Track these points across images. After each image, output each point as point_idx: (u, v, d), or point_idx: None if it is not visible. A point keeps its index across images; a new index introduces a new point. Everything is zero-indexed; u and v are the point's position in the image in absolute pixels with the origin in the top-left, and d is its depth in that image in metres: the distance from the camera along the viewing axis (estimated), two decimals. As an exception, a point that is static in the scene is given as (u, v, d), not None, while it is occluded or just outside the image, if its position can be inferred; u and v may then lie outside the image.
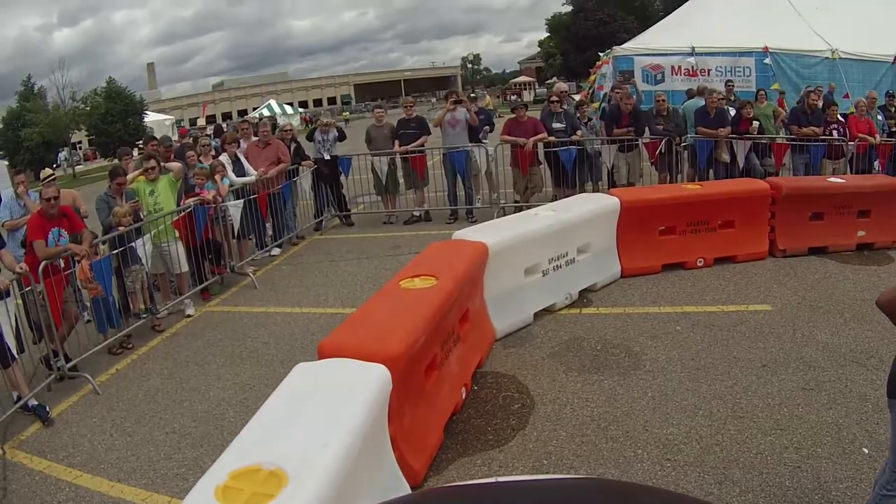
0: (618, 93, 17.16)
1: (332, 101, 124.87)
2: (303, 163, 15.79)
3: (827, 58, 23.86)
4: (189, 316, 11.29)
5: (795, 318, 9.06)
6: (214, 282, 12.29)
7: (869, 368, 7.46)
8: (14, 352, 8.10)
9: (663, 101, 16.11)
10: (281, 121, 28.80)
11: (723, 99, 16.56)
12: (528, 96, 78.35)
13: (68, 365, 8.94)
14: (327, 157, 16.25)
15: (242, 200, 12.87)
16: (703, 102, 16.11)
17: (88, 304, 9.76)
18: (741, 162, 15.01)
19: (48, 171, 10.78)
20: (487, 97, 20.32)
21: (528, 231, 9.64)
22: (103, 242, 9.97)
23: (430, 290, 7.13)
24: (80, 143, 68.44)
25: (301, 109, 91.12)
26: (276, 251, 14.65)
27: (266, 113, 64.65)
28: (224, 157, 13.46)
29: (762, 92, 17.58)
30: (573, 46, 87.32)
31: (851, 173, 14.79)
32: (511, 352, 8.67)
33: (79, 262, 9.03)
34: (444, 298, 7.04)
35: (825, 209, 11.87)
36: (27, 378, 8.46)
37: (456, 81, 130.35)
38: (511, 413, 7.19)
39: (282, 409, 4.83)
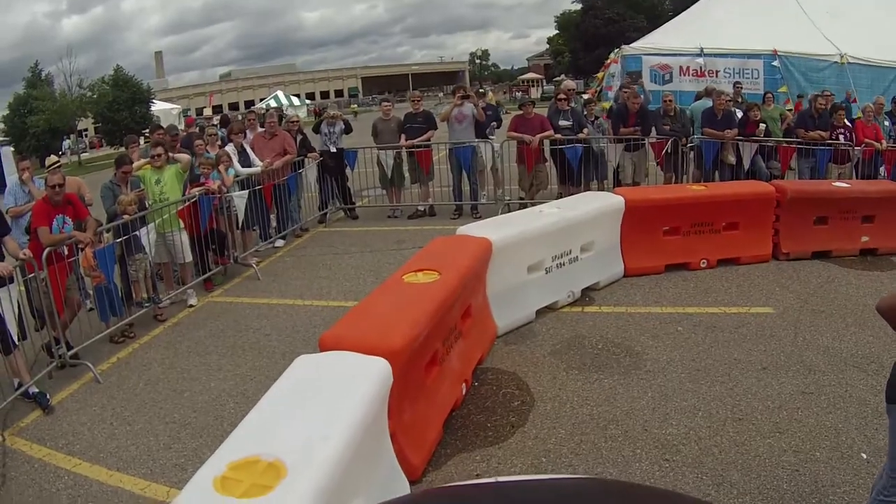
0: (625, 92, 17.15)
1: (339, 93, 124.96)
2: (309, 155, 15.81)
3: (836, 62, 23.88)
4: (191, 306, 11.29)
5: (797, 322, 9.05)
6: (217, 272, 12.29)
7: (869, 373, 7.46)
8: (15, 338, 8.10)
9: (670, 101, 16.08)
10: (288, 112, 28.80)
11: (730, 100, 16.52)
12: (535, 93, 78.17)
13: (69, 353, 8.93)
14: (333, 149, 16.23)
15: (247, 191, 12.85)
16: (710, 103, 16.09)
17: (91, 292, 9.75)
18: (747, 164, 15.00)
19: (53, 158, 10.76)
20: (490, 93, 20.26)
21: (532, 228, 9.64)
22: (107, 230, 9.97)
23: (432, 285, 7.15)
24: (86, 130, 68.42)
25: (308, 101, 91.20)
26: (279, 243, 14.65)
27: (273, 104, 64.78)
28: (230, 148, 13.47)
29: (770, 95, 17.61)
30: (582, 44, 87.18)
31: (857, 178, 14.79)
32: (512, 348, 8.67)
33: (82, 249, 9.03)
34: (447, 293, 7.06)
35: (830, 213, 11.85)
36: (28, 365, 8.46)
37: (464, 77, 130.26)
38: (511, 410, 7.19)
39: (282, 401, 4.84)
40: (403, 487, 5.52)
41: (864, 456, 5.96)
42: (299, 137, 15.85)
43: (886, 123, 16.25)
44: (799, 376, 7.53)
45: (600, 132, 16.17)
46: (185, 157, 11.58)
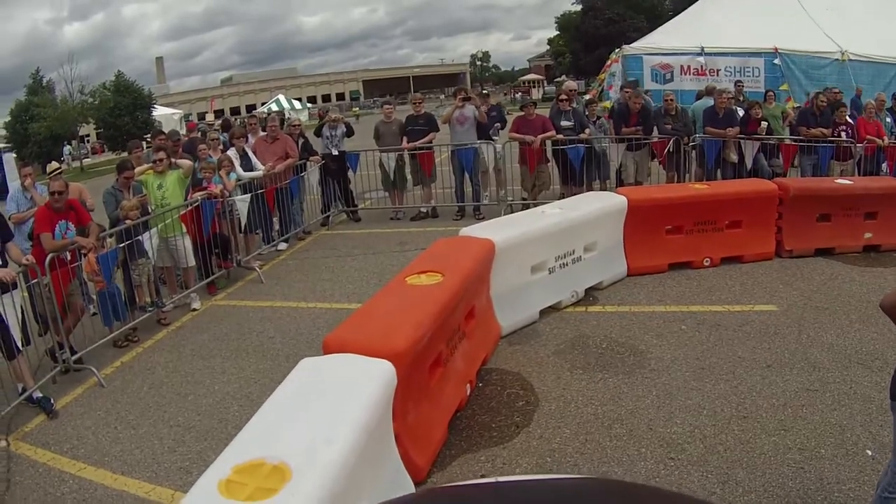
0: (626, 92, 17.16)
1: (340, 96, 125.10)
2: (310, 158, 15.81)
3: (837, 60, 23.84)
4: (195, 310, 11.28)
5: (801, 319, 9.06)
6: (221, 275, 12.29)
7: (874, 370, 7.46)
8: (19, 344, 8.11)
9: (672, 100, 16.10)
10: (289, 116, 28.84)
11: (732, 98, 16.52)
12: (536, 94, 78.23)
13: (73, 357, 8.93)
14: (335, 152, 16.26)
15: (250, 195, 12.86)
16: (711, 102, 16.09)
17: (95, 296, 9.74)
18: (749, 162, 15.00)
19: (55, 164, 10.76)
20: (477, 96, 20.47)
21: (534, 229, 9.64)
22: (110, 236, 9.98)
23: (436, 287, 7.14)
24: (87, 136, 68.39)
25: (309, 105, 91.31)
26: (282, 246, 14.67)
27: (274, 108, 64.83)
28: (232, 152, 13.46)
29: (771, 93, 17.58)
30: (582, 45, 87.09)
31: (859, 175, 14.79)
32: (516, 349, 8.67)
33: (85, 255, 9.04)
34: (451, 295, 7.05)
35: (832, 210, 11.87)
36: (32, 370, 8.47)
37: (465, 79, 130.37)
38: (515, 410, 7.19)
39: (286, 403, 4.83)
40: (408, 489, 5.51)
41: (870, 453, 5.96)
42: (301, 141, 15.86)
43: (888, 120, 16.36)
44: (803, 374, 7.53)
45: (602, 132, 16.16)
46: (187, 162, 11.57)
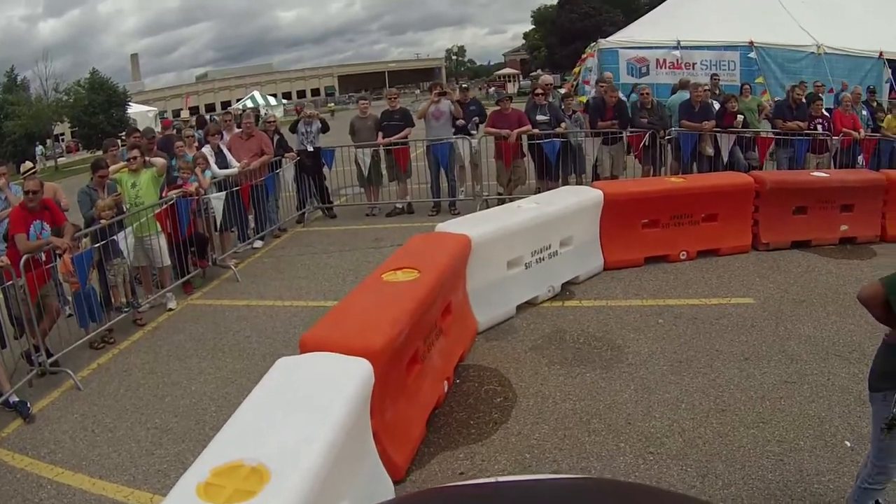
0: (602, 86, 17.17)
1: (315, 92, 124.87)
2: (286, 155, 15.74)
3: (812, 53, 23.95)
4: (171, 309, 11.20)
5: (778, 312, 9.11)
6: (196, 275, 12.21)
7: (851, 362, 7.51)
8: (-5, 347, 8.05)
9: (648, 94, 16.15)
10: (264, 112, 28.73)
11: (708, 92, 16.56)
12: (512, 89, 78.30)
13: (49, 360, 8.84)
14: (310, 148, 16.18)
15: (225, 193, 12.80)
16: (688, 96, 16.12)
17: (70, 298, 9.67)
18: (725, 156, 15.06)
19: (28, 164, 10.69)
20: (457, 91, 20.18)
21: (511, 224, 9.63)
22: (85, 236, 9.89)
23: (412, 283, 7.13)
24: (62, 135, 67.95)
25: (285, 101, 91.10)
26: (258, 244, 14.59)
27: (249, 104, 64.63)
28: (207, 149, 13.41)
29: (747, 86, 17.65)
30: (558, 39, 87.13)
31: (835, 168, 14.89)
32: (493, 345, 8.66)
33: (60, 255, 8.96)
34: (427, 292, 7.04)
35: (809, 203, 11.95)
36: (8, 374, 8.36)
37: (440, 73, 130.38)
38: (493, 406, 7.18)
39: (264, 404, 4.79)
40: (387, 488, 5.49)
41: (848, 444, 5.99)
42: (276, 137, 15.79)
43: (864, 113, 16.43)
44: (781, 366, 7.58)
45: (578, 126, 16.19)
46: (160, 160, 11.46)
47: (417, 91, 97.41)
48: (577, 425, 6.66)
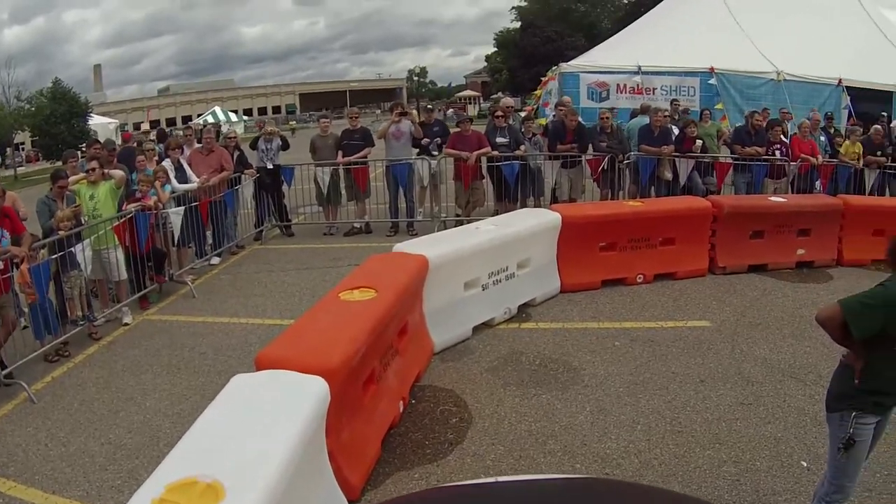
0: (562, 109, 17.24)
1: (277, 109, 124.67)
2: (245, 171, 15.64)
3: (772, 79, 24.28)
4: (126, 324, 11.07)
5: (734, 334, 9.18)
6: (153, 290, 12.09)
7: (807, 384, 7.58)
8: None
9: (607, 118, 16.22)
10: (225, 128, 28.65)
11: (668, 116, 16.66)
12: (472, 111, 78.60)
13: (3, 372, 8.73)
14: (270, 165, 16.12)
15: (183, 208, 12.72)
16: (647, 120, 16.22)
17: (26, 309, 9.55)
18: (683, 180, 15.17)
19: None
20: (414, 111, 20.28)
21: (468, 245, 9.61)
22: (42, 247, 9.78)
23: (369, 303, 7.08)
24: (22, 144, 67.42)
25: (245, 117, 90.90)
26: (215, 260, 14.46)
27: (210, 120, 64.47)
28: (167, 163, 13.31)
29: (706, 111, 17.83)
30: (520, 62, 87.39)
31: (793, 193, 15.07)
32: (449, 366, 8.62)
33: (18, 265, 8.84)
34: (384, 311, 7.00)
35: (766, 227, 12.08)
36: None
37: (402, 94, 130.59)
38: (449, 427, 7.14)
39: (218, 421, 4.74)
40: (342, 508, 5.44)
41: (805, 464, 6.03)
42: (236, 154, 15.69)
43: (822, 138, 16.64)
44: (737, 388, 7.62)
45: (537, 149, 16.24)
46: (119, 172, 11.38)
47: (378, 111, 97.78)
48: (532, 446, 6.63)
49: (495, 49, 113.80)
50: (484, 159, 15.85)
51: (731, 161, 15.69)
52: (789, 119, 18.06)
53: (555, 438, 6.74)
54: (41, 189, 13.64)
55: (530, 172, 15.91)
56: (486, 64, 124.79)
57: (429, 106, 19.36)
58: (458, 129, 16.28)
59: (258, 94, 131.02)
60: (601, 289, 11.25)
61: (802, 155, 15.46)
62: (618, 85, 25.86)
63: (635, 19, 35.48)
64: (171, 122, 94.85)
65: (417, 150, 16.36)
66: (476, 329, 9.56)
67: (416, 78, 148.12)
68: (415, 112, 18.31)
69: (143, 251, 11.45)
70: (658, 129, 15.52)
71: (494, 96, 77.97)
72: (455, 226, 13.95)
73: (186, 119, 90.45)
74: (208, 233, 14.44)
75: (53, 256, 9.72)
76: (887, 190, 16.10)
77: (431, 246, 9.32)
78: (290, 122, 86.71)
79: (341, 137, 16.57)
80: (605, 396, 7.57)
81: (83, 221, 10.48)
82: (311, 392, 5.10)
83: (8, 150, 55.44)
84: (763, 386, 7.63)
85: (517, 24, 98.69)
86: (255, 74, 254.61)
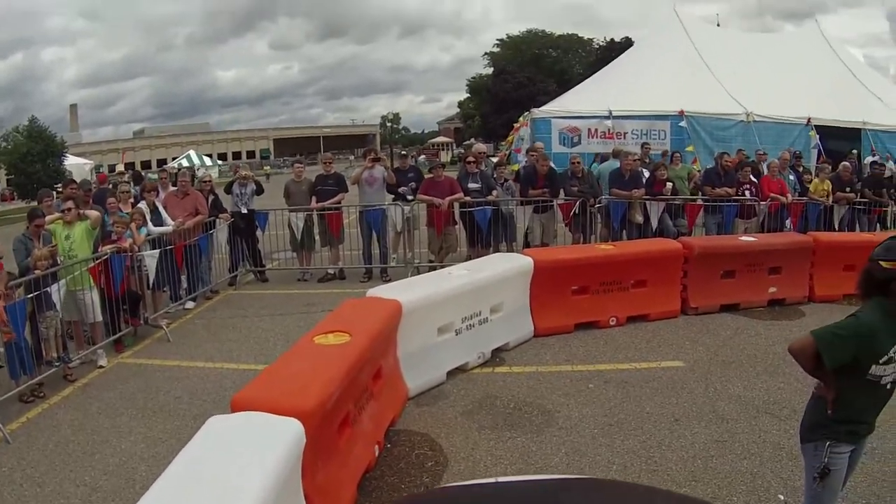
0: (533, 155, 17.37)
1: (251, 154, 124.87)
2: (220, 215, 15.68)
3: (742, 121, 24.58)
4: (102, 367, 11.00)
5: (707, 373, 9.25)
6: (128, 333, 12.06)
7: (782, 419, 7.64)
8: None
9: (578, 163, 16.44)
10: (200, 172, 28.67)
11: (637, 160, 16.83)
12: (445, 157, 79.04)
13: (-23, 412, 8.68)
14: (244, 210, 16.16)
15: (158, 251, 12.74)
16: (618, 164, 16.37)
17: (1, 349, 9.52)
18: (654, 222, 15.30)
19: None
20: (386, 157, 20.66)
21: (441, 290, 9.66)
22: (19, 285, 9.74)
23: (343, 347, 7.09)
24: (-2, 182, 67.34)
25: (220, 162, 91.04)
26: (190, 304, 14.42)
27: (185, 164, 64.41)
28: (143, 205, 13.32)
29: (677, 154, 18.03)
30: (493, 108, 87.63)
31: (764, 232, 15.26)
32: (424, 410, 8.63)
33: (-6, 303, 8.82)
34: (358, 355, 7.01)
35: (737, 267, 12.23)
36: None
37: (375, 140, 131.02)
38: (424, 471, 7.12)
39: (195, 461, 4.72)
40: (315, 550, 5.43)
41: (782, 497, 6.09)
42: (211, 198, 15.74)
43: (791, 177, 16.92)
44: (712, 425, 7.67)
45: (509, 195, 16.34)
46: (95, 213, 11.41)
47: (352, 157, 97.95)
48: (507, 489, 6.61)
49: (468, 95, 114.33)
50: (457, 205, 15.90)
51: (701, 203, 15.87)
52: (764, 160, 18.26)
53: (530, 481, 6.74)
54: (16, 228, 13.63)
55: (502, 218, 16.00)
56: (458, 110, 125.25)
57: (402, 152, 19.49)
58: (430, 175, 16.35)
59: (233, 138, 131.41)
60: (574, 332, 11.28)
61: (772, 194, 15.75)
62: (589, 130, 26.04)
63: (606, 64, 35.87)
64: (146, 164, 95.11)
65: (393, 195, 16.43)
66: (450, 373, 9.56)
67: (389, 124, 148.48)
68: (387, 158, 18.35)
69: (118, 293, 11.42)
70: (629, 172, 15.72)
71: (467, 143, 78.35)
72: (428, 271, 13.99)
73: (161, 162, 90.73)
74: (183, 277, 14.40)
75: (29, 296, 9.69)
76: (857, 225, 16.51)
77: (405, 291, 9.35)
78: (265, 167, 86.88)
79: (315, 183, 16.63)
80: (580, 438, 7.57)
81: (59, 261, 10.46)
82: (287, 434, 5.11)
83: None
84: (738, 423, 7.69)
85: (490, 70, 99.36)
86: (229, 118, 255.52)
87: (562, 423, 7.98)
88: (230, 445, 4.92)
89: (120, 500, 6.86)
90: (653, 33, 35.47)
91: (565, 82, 68.01)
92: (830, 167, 17.50)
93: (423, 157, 78.50)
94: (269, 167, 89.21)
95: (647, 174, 16.25)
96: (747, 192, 15.76)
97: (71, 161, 56.95)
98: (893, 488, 6.18)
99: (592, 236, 16.07)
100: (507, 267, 10.96)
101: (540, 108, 27.93)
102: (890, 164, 21.40)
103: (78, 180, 18.49)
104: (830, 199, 16.29)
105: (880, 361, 4.44)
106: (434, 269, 14.37)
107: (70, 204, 10.98)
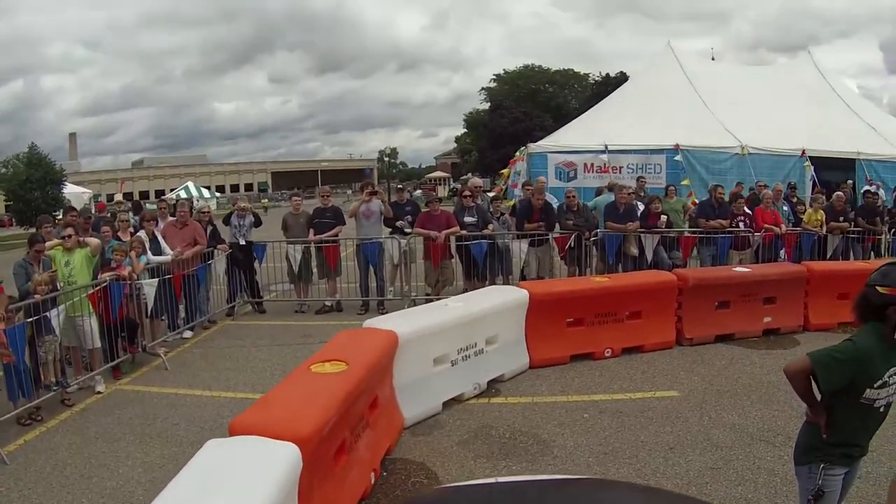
0: (529, 189, 17.48)
1: (249, 187, 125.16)
2: (218, 246, 15.75)
3: (737, 154, 24.73)
4: (99, 392, 11.05)
5: (702, 403, 9.29)
6: (126, 360, 12.10)
7: (776, 445, 7.69)
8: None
9: (573, 196, 16.50)
10: (198, 204, 28.76)
11: (632, 194, 16.93)
12: (442, 191, 79.18)
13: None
14: (242, 241, 16.23)
15: (157, 279, 12.81)
16: (613, 198, 16.47)
17: (0, 371, 9.57)
18: (649, 255, 15.39)
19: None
20: (380, 190, 20.86)
21: (437, 321, 9.72)
22: (19, 309, 9.79)
23: (340, 375, 7.14)
24: (-4, 208, 67.37)
25: (218, 194, 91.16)
26: (187, 334, 14.45)
27: (183, 195, 64.51)
28: (142, 234, 13.41)
29: (672, 187, 18.13)
30: (489, 143, 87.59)
31: (758, 263, 15.36)
32: (420, 439, 8.66)
33: (-6, 327, 8.87)
34: (355, 383, 7.06)
35: (731, 297, 12.31)
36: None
37: (372, 174, 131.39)
38: (420, 498, 7.15)
39: (192, 485, 4.77)
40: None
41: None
42: (210, 228, 15.81)
43: (785, 208, 17.08)
44: (706, 453, 7.71)
45: (505, 228, 16.41)
46: (95, 240, 11.53)
47: (349, 191, 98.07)
48: (503, 517, 6.64)
49: (465, 130, 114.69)
50: (453, 238, 15.98)
51: (695, 235, 15.97)
52: (762, 192, 18.40)
53: (525, 508, 6.77)
54: (14, 254, 13.70)
55: (498, 251, 16.07)
56: (455, 145, 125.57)
57: (399, 186, 19.62)
58: (427, 209, 16.44)
59: (231, 171, 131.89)
60: (570, 363, 11.32)
61: (766, 225, 15.90)
62: (585, 164, 26.21)
63: (602, 98, 36.10)
64: (144, 195, 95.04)
65: (390, 229, 16.54)
66: (446, 404, 9.59)
67: (386, 158, 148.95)
68: (384, 192, 18.49)
69: (116, 320, 11.48)
70: (623, 206, 15.80)
71: (464, 178, 78.56)
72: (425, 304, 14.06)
73: (160, 193, 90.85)
74: (181, 306, 14.46)
75: (29, 320, 9.73)
76: (851, 254, 16.78)
77: (401, 321, 9.42)
78: (263, 200, 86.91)
79: (313, 215, 16.70)
80: (575, 467, 7.60)
81: (58, 287, 10.53)
82: (284, 457, 5.16)
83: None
84: (732, 450, 7.73)
85: (486, 105, 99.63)
86: (227, 151, 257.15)
87: (556, 452, 8.02)
88: (228, 468, 4.97)
89: (118, 524, 6.89)
90: (648, 68, 35.85)
91: (562, 117, 68.11)
92: (825, 197, 17.65)
93: (419, 191, 78.65)
94: (266, 200, 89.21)
95: (641, 207, 16.34)
96: (741, 224, 15.89)
97: (70, 190, 57.09)
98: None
99: (588, 269, 16.12)
100: (503, 299, 11.03)
101: (536, 143, 28.15)
102: (881, 192, 21.53)
103: (77, 208, 18.52)
104: (824, 228, 16.51)
105: (874, 385, 4.49)
106: (431, 301, 14.41)
107: (70, 231, 11.07)
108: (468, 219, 16.06)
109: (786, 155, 25.48)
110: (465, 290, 14.87)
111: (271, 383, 9.74)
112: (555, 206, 16.97)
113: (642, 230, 15.55)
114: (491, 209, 17.01)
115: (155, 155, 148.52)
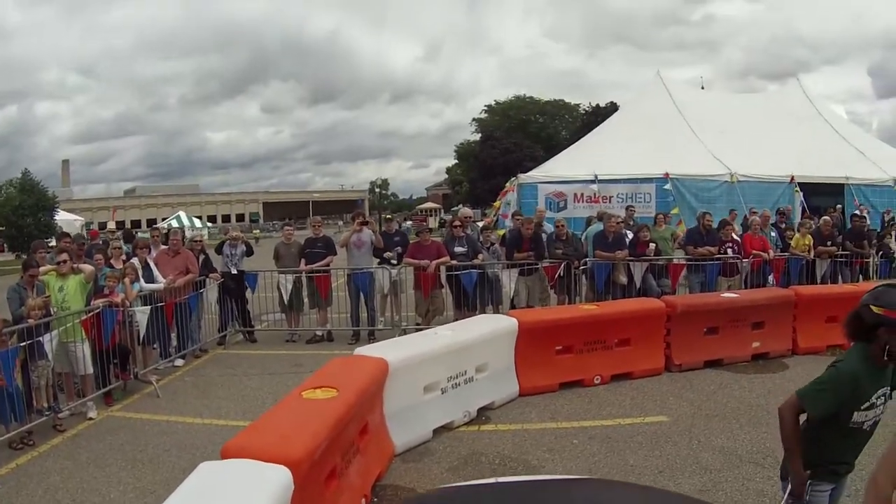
0: (518, 219, 17.59)
1: (240, 217, 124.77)
2: (210, 275, 15.78)
3: (726, 181, 24.87)
4: (91, 418, 11.04)
5: (692, 427, 9.35)
6: (117, 387, 12.10)
7: (765, 467, 7.75)
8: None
9: (563, 226, 16.66)
10: (190, 233, 28.78)
11: (621, 223, 17.05)
12: (433, 222, 79.30)
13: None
14: (234, 271, 16.28)
15: (150, 307, 12.86)
16: (602, 227, 16.58)
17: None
18: (638, 282, 15.49)
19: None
20: (371, 220, 21.01)
21: (427, 349, 9.78)
22: (12, 333, 9.83)
23: (331, 401, 7.19)
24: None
25: (209, 224, 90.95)
26: (179, 362, 14.46)
27: (175, 224, 64.42)
28: (135, 261, 13.46)
29: (661, 216, 18.23)
30: (480, 174, 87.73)
31: (746, 288, 15.43)
32: (410, 466, 8.69)
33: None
34: (346, 409, 7.11)
35: (720, 323, 12.40)
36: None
37: (363, 205, 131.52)
38: (410, 524, 7.19)
39: (185, 505, 4.82)
40: None
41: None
42: (202, 257, 15.85)
43: (773, 234, 17.30)
44: (695, 476, 7.78)
45: (495, 258, 16.50)
46: (88, 267, 11.57)
47: (341, 222, 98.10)
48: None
49: (456, 161, 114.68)
50: (443, 268, 16.07)
51: (684, 262, 16.11)
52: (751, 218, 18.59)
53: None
54: (6, 280, 13.78)
55: (488, 281, 16.14)
56: (446, 176, 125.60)
57: (388, 216, 19.74)
58: (417, 240, 16.53)
59: (222, 200, 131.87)
60: (559, 391, 11.35)
61: (754, 251, 16.05)
62: (575, 194, 26.29)
63: (592, 129, 36.27)
64: (135, 223, 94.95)
65: (378, 259, 16.65)
66: (436, 431, 9.63)
67: (378, 189, 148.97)
68: (374, 222, 18.63)
69: (108, 346, 11.50)
70: (612, 234, 15.91)
71: (454, 209, 78.75)
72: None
73: (151, 222, 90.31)
74: (173, 334, 14.47)
75: (22, 344, 9.76)
76: (839, 277, 16.89)
77: (391, 349, 9.51)
78: (254, 231, 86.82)
79: (304, 245, 16.81)
80: (564, 491, 7.64)
81: (52, 312, 10.57)
82: (276, 480, 5.20)
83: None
84: (721, 473, 7.79)
85: (477, 136, 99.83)
86: (219, 180, 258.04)
87: (546, 477, 8.05)
88: (220, 489, 5.02)
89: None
90: (637, 97, 36.02)
91: (552, 147, 68.30)
92: (812, 222, 17.81)
93: (409, 222, 78.75)
94: (258, 231, 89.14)
95: (630, 235, 16.45)
96: (730, 250, 16.00)
97: (62, 216, 56.95)
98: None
99: (578, 297, 16.17)
100: (492, 327, 11.11)
101: (526, 174, 28.18)
102: (865, 216, 21.69)
103: (71, 234, 18.55)
104: (812, 253, 16.67)
105: (862, 408, 4.53)
106: (421, 331, 14.47)
107: (64, 257, 11.15)
108: (458, 249, 16.14)
109: (775, 181, 25.65)
110: (456, 320, 14.90)
111: (262, 411, 9.68)
112: (545, 235, 17.07)
113: (631, 258, 15.65)
114: (480, 239, 17.12)
115: (147, 184, 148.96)
